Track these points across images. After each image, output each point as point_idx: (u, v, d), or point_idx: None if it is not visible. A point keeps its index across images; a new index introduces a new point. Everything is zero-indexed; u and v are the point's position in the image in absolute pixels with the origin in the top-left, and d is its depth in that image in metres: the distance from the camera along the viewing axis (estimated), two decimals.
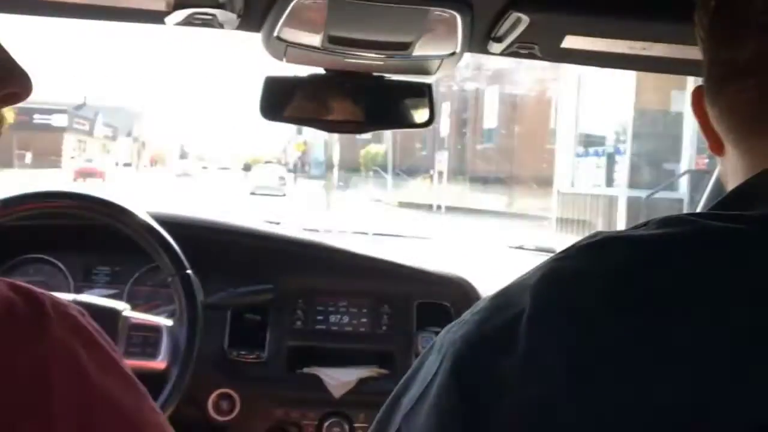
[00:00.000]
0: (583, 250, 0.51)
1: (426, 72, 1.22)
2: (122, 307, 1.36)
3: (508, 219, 13.95)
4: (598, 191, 10.68)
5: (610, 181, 10.87)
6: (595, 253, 0.50)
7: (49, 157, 32.57)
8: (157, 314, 1.46)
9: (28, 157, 31.87)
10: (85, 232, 1.50)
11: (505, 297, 0.51)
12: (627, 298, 0.46)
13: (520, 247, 2.28)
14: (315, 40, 1.07)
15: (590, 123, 11.51)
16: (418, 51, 1.11)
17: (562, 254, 0.51)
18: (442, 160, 19.25)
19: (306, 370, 1.56)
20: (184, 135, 79.88)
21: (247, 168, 32.85)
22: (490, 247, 2.37)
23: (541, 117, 18.88)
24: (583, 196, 10.82)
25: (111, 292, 1.58)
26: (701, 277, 0.46)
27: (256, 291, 1.55)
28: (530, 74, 17.84)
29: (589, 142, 11.44)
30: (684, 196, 9.49)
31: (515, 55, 1.16)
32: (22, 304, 0.47)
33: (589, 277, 0.48)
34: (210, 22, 1.04)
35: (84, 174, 29.36)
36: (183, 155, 73.56)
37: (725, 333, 0.43)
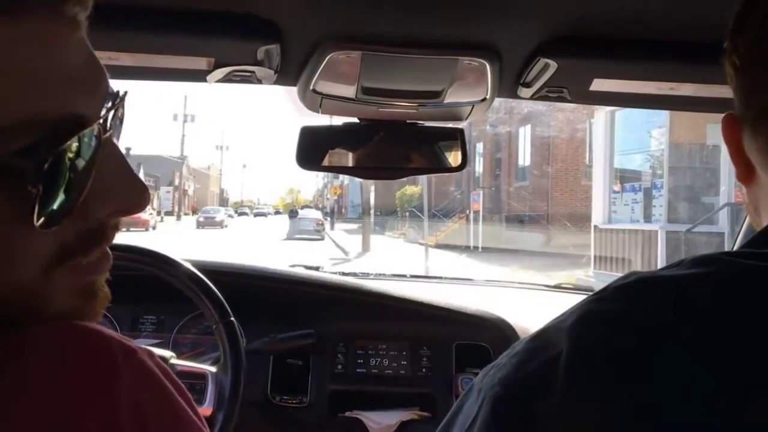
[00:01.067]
0: (618, 291, 0.51)
1: (457, 118, 1.25)
2: (168, 355, 1.39)
3: (545, 258, 13.79)
4: (637, 227, 10.53)
5: (648, 217, 10.71)
6: (630, 294, 0.50)
7: None
8: (201, 361, 1.48)
9: None
10: (132, 282, 1.55)
11: (542, 339, 0.51)
12: (662, 341, 0.46)
13: (558, 287, 2.26)
14: (349, 91, 1.11)
15: (625, 159, 11.41)
16: (450, 98, 1.14)
17: (598, 296, 0.51)
18: (478, 200, 19.19)
19: (348, 413, 1.58)
20: (224, 182, 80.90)
21: (293, 214, 31.01)
22: (528, 287, 2.35)
23: (575, 154, 18.77)
24: (621, 232, 10.65)
25: (156, 341, 1.62)
26: (730, 317, 0.46)
27: (297, 336, 1.58)
28: (563, 113, 17.81)
29: (625, 177, 11.33)
30: (724, 229, 9.30)
31: (545, 98, 1.19)
32: (91, 352, 0.46)
33: (625, 320, 0.48)
34: (249, 79, 1.09)
35: (127, 223, 29.74)
36: (223, 202, 74.30)
37: (761, 376, 0.43)
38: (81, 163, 0.43)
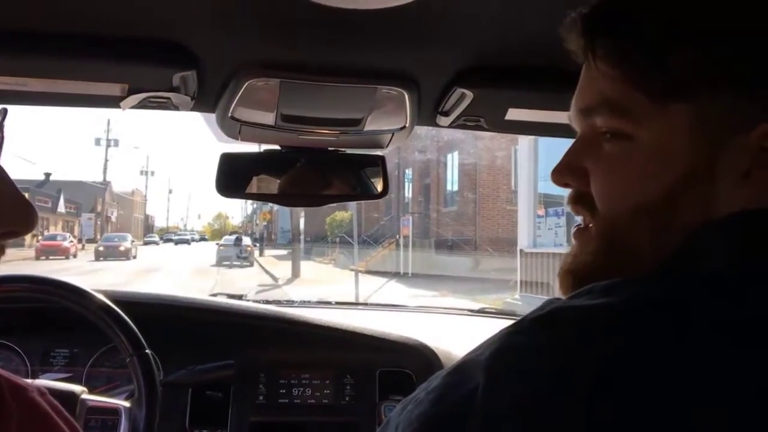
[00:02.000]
0: (535, 323, 0.51)
1: (378, 145, 1.26)
2: (79, 390, 1.33)
3: (474, 283, 13.99)
4: (560, 250, 10.82)
5: (570, 240, 11.01)
6: (546, 326, 0.50)
7: None
8: (116, 396, 1.43)
9: None
10: (43, 314, 1.49)
11: (458, 374, 0.51)
12: (578, 377, 0.46)
13: (482, 311, 2.29)
14: (268, 118, 1.10)
15: (549, 184, 11.74)
16: (370, 126, 1.14)
17: (515, 328, 0.51)
18: (408, 225, 19.35)
19: None
20: (149, 209, 78.90)
21: (238, 241, 27.08)
22: (454, 312, 2.38)
23: (501, 179, 19.21)
24: (545, 255, 10.93)
25: (68, 375, 1.55)
26: (637, 353, 0.46)
27: (216, 367, 1.54)
28: (488, 139, 18.23)
29: (549, 202, 11.65)
30: None
31: (463, 127, 1.21)
32: None
33: (540, 353, 0.48)
34: (165, 105, 1.07)
35: (46, 251, 28.27)
36: (148, 229, 72.29)
37: (681, 411, 0.44)
38: None
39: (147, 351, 1.31)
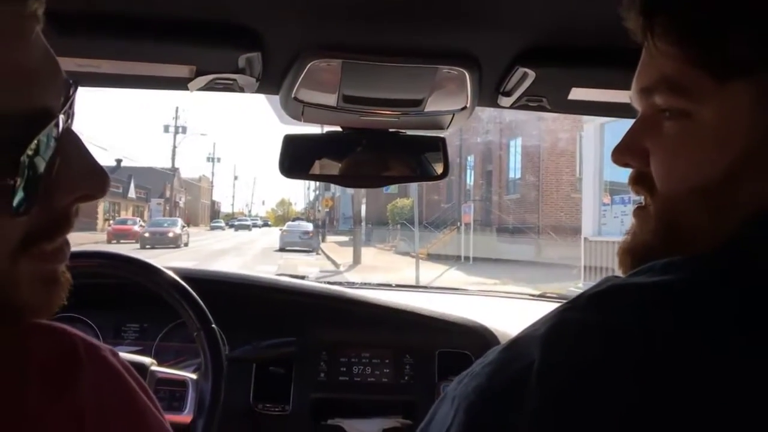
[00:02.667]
0: (591, 299, 0.51)
1: (439, 126, 1.26)
2: (149, 362, 1.38)
3: (536, 269, 13.82)
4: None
5: None
6: (603, 303, 0.50)
7: (83, 220, 31.42)
8: (184, 368, 1.48)
9: None
10: (115, 290, 1.55)
11: (514, 349, 0.51)
12: (635, 353, 0.46)
13: (543, 296, 2.27)
14: (331, 99, 1.12)
15: (615, 171, 11.48)
16: (430, 107, 1.15)
17: (571, 305, 0.51)
18: (469, 212, 19.21)
19: (330, 421, 1.57)
20: (215, 194, 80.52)
21: (315, 228, 27.25)
22: (513, 296, 2.36)
23: (565, 166, 18.88)
24: (610, 243, 10.71)
25: (138, 348, 1.61)
26: (688, 329, 0.46)
27: (279, 344, 1.58)
28: (552, 125, 17.92)
29: (615, 190, 11.40)
30: None
31: (525, 107, 1.20)
32: (56, 351, 0.48)
33: (597, 330, 0.48)
34: (231, 87, 1.10)
35: (117, 234, 28.84)
36: (214, 214, 73.78)
37: (734, 393, 0.44)
38: (49, 153, 0.45)
39: (213, 326, 1.34)
